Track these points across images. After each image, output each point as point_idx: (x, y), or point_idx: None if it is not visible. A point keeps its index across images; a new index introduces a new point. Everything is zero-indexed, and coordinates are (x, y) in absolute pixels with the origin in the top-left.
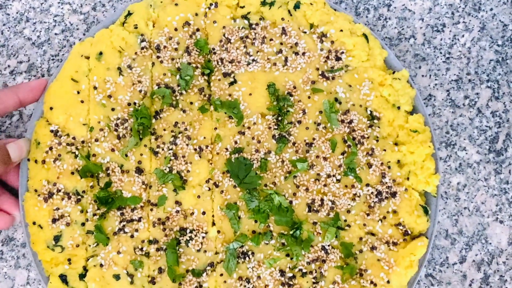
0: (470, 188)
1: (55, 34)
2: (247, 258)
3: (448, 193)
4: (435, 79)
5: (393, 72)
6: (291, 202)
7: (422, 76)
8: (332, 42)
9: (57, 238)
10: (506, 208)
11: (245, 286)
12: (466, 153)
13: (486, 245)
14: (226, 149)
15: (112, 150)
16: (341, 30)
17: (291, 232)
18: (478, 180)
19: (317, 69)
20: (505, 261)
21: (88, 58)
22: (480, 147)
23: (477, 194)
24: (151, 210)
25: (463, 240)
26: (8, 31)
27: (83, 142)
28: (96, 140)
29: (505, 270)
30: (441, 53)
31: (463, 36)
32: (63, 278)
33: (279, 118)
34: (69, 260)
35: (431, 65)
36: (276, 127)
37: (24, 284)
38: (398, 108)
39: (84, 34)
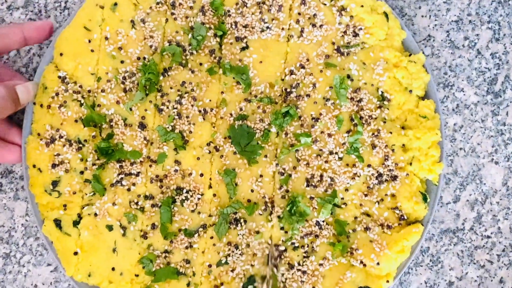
0: (467, 129)
1: None
2: (239, 225)
3: (444, 133)
4: (435, 20)
5: (410, 55)
6: (290, 175)
7: (422, 16)
8: (351, 17)
9: (55, 183)
10: (502, 150)
11: (233, 251)
12: (464, 94)
13: (480, 185)
14: (231, 114)
15: (117, 102)
16: (362, 6)
17: (287, 208)
18: (475, 121)
19: (333, 43)
20: (498, 201)
21: (102, 7)
22: (478, 89)
23: (473, 135)
24: (150, 166)
25: (458, 180)
26: None
27: (89, 91)
28: (103, 91)
29: (498, 210)
30: None
31: None
32: (57, 222)
33: (288, 91)
34: (64, 206)
35: (431, 5)
36: (283, 99)
37: (23, 215)
38: (410, 91)
39: None
